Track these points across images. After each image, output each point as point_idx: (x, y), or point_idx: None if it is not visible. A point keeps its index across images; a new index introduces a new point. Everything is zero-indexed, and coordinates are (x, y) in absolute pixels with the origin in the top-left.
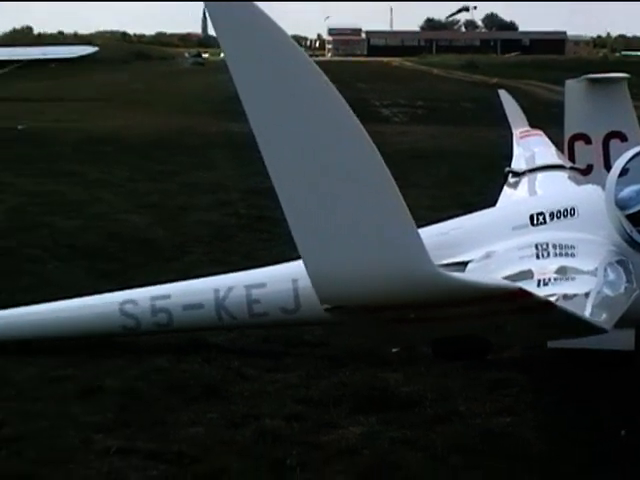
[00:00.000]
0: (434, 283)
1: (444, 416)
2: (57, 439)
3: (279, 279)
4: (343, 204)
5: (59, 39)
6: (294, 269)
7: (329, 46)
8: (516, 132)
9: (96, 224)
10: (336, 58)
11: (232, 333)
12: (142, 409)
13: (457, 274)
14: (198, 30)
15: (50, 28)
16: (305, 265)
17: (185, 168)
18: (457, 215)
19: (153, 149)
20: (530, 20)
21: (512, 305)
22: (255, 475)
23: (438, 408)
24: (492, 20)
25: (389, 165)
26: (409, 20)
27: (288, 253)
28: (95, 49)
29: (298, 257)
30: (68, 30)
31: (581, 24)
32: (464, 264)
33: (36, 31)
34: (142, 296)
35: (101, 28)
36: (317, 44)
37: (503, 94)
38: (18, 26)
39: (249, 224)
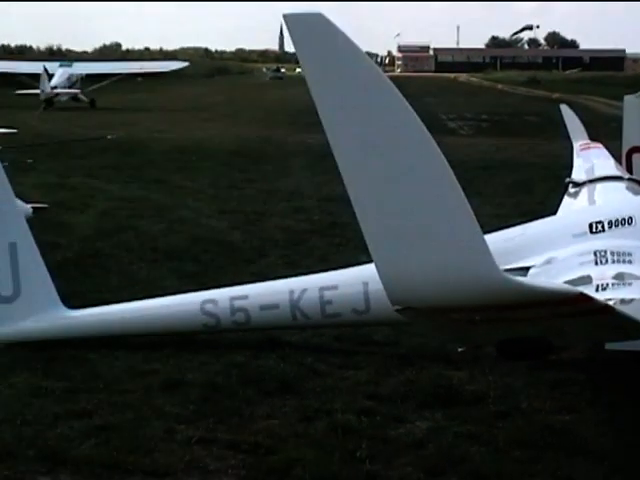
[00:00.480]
0: (499, 287)
1: (506, 412)
2: (142, 429)
3: (351, 282)
4: (413, 211)
5: (145, 55)
6: (365, 272)
7: (399, 62)
8: (576, 145)
9: (179, 228)
10: (405, 74)
11: (306, 332)
12: (221, 402)
13: (522, 278)
14: (275, 47)
15: (137, 44)
16: (377, 268)
17: (263, 176)
18: (519, 223)
19: (233, 158)
20: (590, 38)
21: (574, 308)
22: (327, 466)
23: (501, 405)
24: (554, 38)
25: (456, 175)
26: (475, 38)
27: (359, 257)
28: (186, 64)
29: (369, 261)
30: (154, 46)
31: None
32: (526, 269)
33: (124, 47)
34: (222, 296)
35: (185, 45)
36: (387, 60)
37: (564, 109)
38: (108, 42)
39: (322, 229)
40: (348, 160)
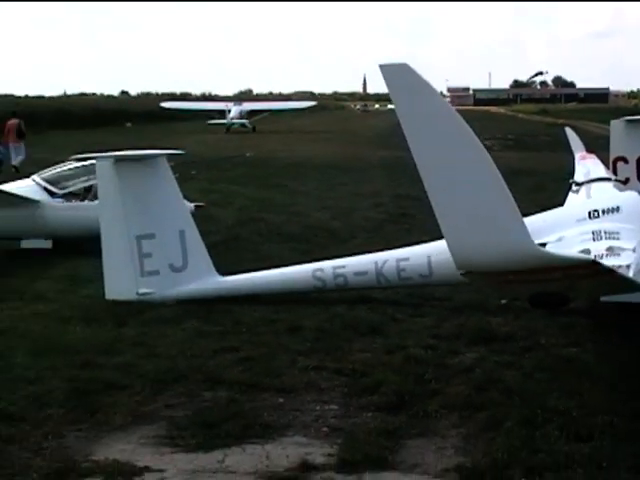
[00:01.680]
0: (534, 256)
1: (530, 347)
2: (273, 360)
3: (418, 254)
4: (474, 203)
5: (269, 97)
6: (428, 248)
7: (448, 99)
8: (577, 155)
9: (295, 219)
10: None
11: (387, 291)
12: (328, 341)
13: (550, 249)
14: (360, 89)
15: (264, 89)
16: (447, 243)
17: (352, 181)
18: (537, 212)
19: (331, 169)
20: (584, 79)
21: (586, 271)
22: (404, 385)
23: (526, 341)
24: (559, 80)
25: None
26: (502, 80)
27: (422, 238)
28: (314, 103)
29: (430, 240)
30: (275, 90)
31: (619, 81)
32: (543, 245)
33: (254, 92)
34: (327, 266)
35: (297, 89)
36: None
37: (568, 130)
38: (243, 88)
39: (396, 219)
40: (428, 168)
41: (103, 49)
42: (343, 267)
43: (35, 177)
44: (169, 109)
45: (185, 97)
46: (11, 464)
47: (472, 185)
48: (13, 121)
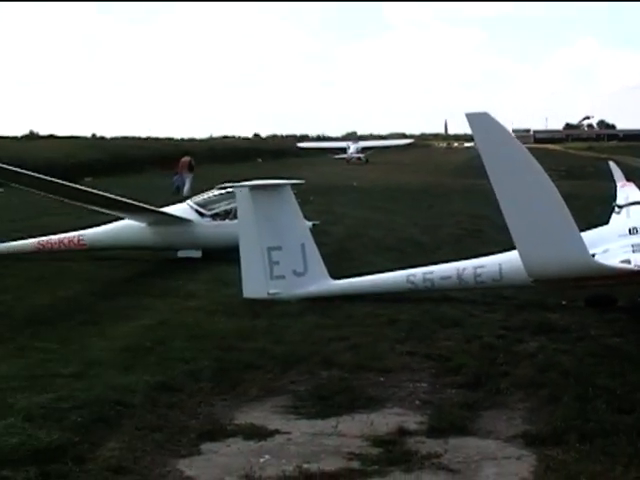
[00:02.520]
0: (590, 266)
1: (582, 337)
2: (376, 346)
3: (491, 263)
4: (542, 225)
5: (370, 137)
6: (499, 257)
7: None
8: (619, 184)
9: (391, 234)
10: None
11: (465, 292)
12: (419, 331)
13: (603, 261)
14: (442, 131)
15: (366, 131)
16: (520, 257)
17: (437, 204)
18: (585, 229)
19: (420, 194)
20: (624, 121)
21: (630, 278)
22: (480, 368)
23: (579, 333)
24: (602, 123)
25: None
26: (556, 123)
27: (494, 249)
28: (412, 140)
29: (500, 252)
30: (374, 132)
31: None
32: (592, 255)
33: (358, 133)
34: (418, 272)
35: (392, 130)
36: None
37: (611, 164)
38: (349, 130)
39: (472, 234)
40: (506, 196)
41: (238, 101)
42: (431, 273)
43: (189, 202)
44: (304, 148)
45: (303, 138)
46: (173, 425)
47: (541, 210)
48: (186, 158)
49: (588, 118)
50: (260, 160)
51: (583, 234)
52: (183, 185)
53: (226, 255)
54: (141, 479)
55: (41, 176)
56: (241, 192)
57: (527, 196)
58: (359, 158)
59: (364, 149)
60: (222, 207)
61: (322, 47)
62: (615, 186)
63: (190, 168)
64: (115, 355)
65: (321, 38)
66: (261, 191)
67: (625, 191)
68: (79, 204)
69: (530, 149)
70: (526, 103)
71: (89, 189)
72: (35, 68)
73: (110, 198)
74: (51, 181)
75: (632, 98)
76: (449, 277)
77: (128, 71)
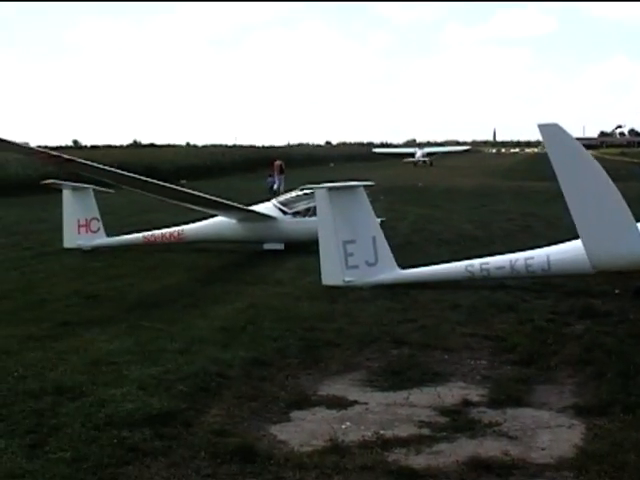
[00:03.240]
0: None
1: (623, 320)
2: (440, 328)
3: (541, 255)
4: (607, 220)
5: (430, 144)
6: (547, 250)
7: None
8: None
9: (450, 229)
10: None
11: (517, 280)
12: (478, 315)
13: None
14: (491, 138)
15: (424, 138)
16: (585, 249)
17: (489, 203)
18: None
19: (474, 194)
20: None
21: None
22: (532, 346)
23: (619, 316)
24: (632, 131)
25: None
26: (591, 132)
27: (542, 243)
28: (469, 147)
29: (547, 245)
30: (431, 139)
31: None
32: None
33: (417, 140)
34: (476, 262)
35: (447, 138)
36: None
37: None
38: (409, 138)
39: (522, 229)
40: (574, 197)
41: (312, 113)
42: (487, 263)
43: (273, 201)
44: (379, 153)
45: (369, 145)
46: (266, 395)
47: (605, 210)
48: (278, 162)
49: (620, 127)
50: (332, 165)
51: None
52: (275, 185)
53: (306, 248)
54: (241, 441)
55: (147, 179)
56: (320, 192)
57: (593, 197)
58: (424, 162)
59: (429, 154)
60: (302, 206)
61: (386, 67)
62: None
63: (281, 170)
64: (214, 334)
65: (384, 60)
66: (338, 191)
67: None
68: (178, 203)
69: None
70: (564, 113)
71: (187, 190)
72: (134, 82)
73: (206, 198)
74: (155, 183)
75: None
76: (503, 267)
77: (218, 87)
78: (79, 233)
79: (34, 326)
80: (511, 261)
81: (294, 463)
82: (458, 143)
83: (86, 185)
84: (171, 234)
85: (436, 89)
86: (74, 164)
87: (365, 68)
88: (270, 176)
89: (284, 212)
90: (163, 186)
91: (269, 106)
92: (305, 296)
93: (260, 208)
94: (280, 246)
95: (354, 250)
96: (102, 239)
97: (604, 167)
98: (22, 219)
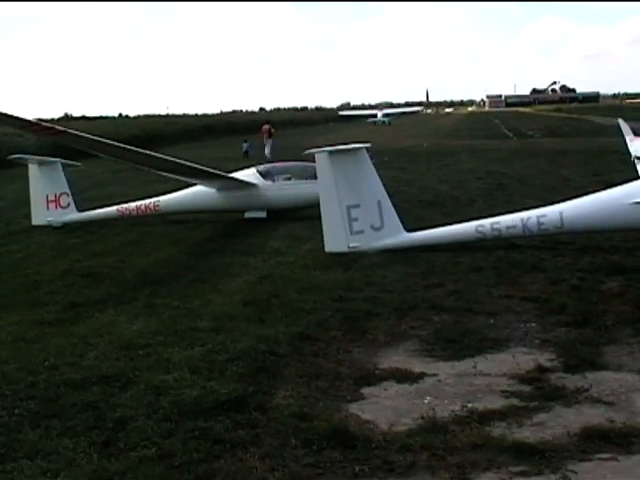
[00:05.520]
0: None
1: None
2: (473, 292)
3: (553, 212)
4: None
5: (365, 107)
6: (560, 207)
7: (487, 103)
8: (628, 138)
9: (425, 190)
10: (491, 109)
11: (530, 240)
12: (505, 276)
13: None
14: (424, 99)
15: (358, 101)
16: None
17: (451, 163)
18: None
19: (432, 154)
20: (582, 86)
21: None
22: (579, 306)
23: None
24: (564, 88)
25: (549, 157)
26: (525, 89)
27: (524, 201)
28: (421, 108)
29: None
30: (365, 102)
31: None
32: None
33: (352, 103)
34: (486, 222)
35: (380, 100)
36: (482, 102)
37: (620, 121)
38: (343, 101)
39: (496, 187)
40: None
41: (242, 80)
42: (498, 223)
43: (254, 168)
44: (344, 116)
45: (304, 110)
46: (327, 372)
47: None
48: (266, 126)
49: (555, 83)
50: (332, 124)
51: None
52: (266, 150)
53: (288, 214)
54: (328, 424)
55: (141, 150)
56: (321, 156)
57: None
58: (383, 122)
59: (387, 115)
60: (283, 175)
61: (321, 31)
62: (625, 141)
63: (270, 134)
64: (240, 309)
65: (319, 23)
66: (339, 154)
67: (635, 145)
68: (160, 173)
69: (503, 112)
70: (498, 71)
71: (179, 160)
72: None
73: (198, 168)
74: (147, 154)
75: (589, 65)
76: (514, 226)
77: (147, 56)
78: (48, 209)
79: (40, 309)
80: (522, 219)
81: (398, 445)
82: (392, 105)
83: (53, 159)
84: (147, 206)
85: (367, 51)
86: (67, 135)
87: (298, 31)
88: (245, 141)
89: (265, 179)
90: (155, 156)
91: (199, 74)
92: (313, 264)
93: (242, 175)
94: (262, 214)
95: (358, 215)
96: (73, 214)
97: (544, 123)
98: None
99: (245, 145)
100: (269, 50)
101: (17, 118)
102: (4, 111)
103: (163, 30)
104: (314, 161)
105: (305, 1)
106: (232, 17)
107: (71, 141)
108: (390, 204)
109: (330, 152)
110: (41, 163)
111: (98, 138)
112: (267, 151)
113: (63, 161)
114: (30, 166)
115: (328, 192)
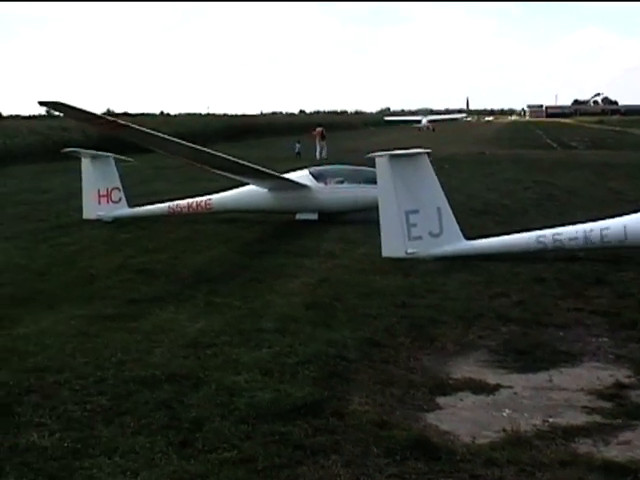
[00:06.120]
0: None
1: None
2: (540, 303)
3: (617, 225)
4: None
5: (405, 113)
6: (624, 220)
7: (527, 112)
8: None
9: (473, 198)
10: (532, 119)
11: (591, 252)
12: (569, 288)
13: None
14: (464, 106)
15: (398, 107)
16: None
17: (496, 171)
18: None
19: (476, 162)
20: (624, 99)
21: None
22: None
23: None
24: (606, 100)
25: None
26: (565, 99)
27: (575, 213)
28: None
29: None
30: (405, 108)
31: None
32: None
33: (392, 109)
34: (547, 233)
35: (420, 106)
36: (523, 112)
37: None
38: (383, 107)
39: (546, 198)
40: None
41: (280, 82)
42: (560, 234)
43: (307, 170)
44: (389, 121)
45: (343, 113)
46: (396, 378)
47: None
48: (319, 128)
49: (599, 95)
50: (372, 128)
51: None
52: (317, 152)
53: (339, 217)
54: (409, 434)
55: (201, 148)
56: (381, 161)
57: None
58: (428, 128)
59: (431, 121)
60: (336, 178)
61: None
62: None
63: (322, 137)
64: (302, 312)
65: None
66: (399, 159)
67: None
68: (215, 171)
69: (544, 122)
70: (541, 82)
71: (238, 160)
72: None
73: (245, 165)
74: (208, 152)
75: (632, 78)
76: (577, 238)
77: (188, 56)
78: (100, 203)
79: (98, 304)
80: (585, 231)
81: (483, 459)
82: (433, 112)
83: (106, 153)
84: (198, 204)
85: (407, 58)
86: (129, 130)
87: (338, 37)
88: (298, 142)
89: (318, 181)
90: (215, 155)
91: (239, 75)
92: (371, 269)
93: (294, 176)
94: (314, 216)
95: (417, 220)
96: (124, 210)
97: (588, 135)
98: (20, 190)
99: (297, 146)
100: (305, 52)
101: (83, 111)
102: (71, 104)
103: (201, 30)
104: (374, 165)
105: (339, 1)
106: (268, 18)
107: (132, 136)
108: (450, 211)
109: (391, 156)
110: (94, 157)
111: (162, 135)
112: (319, 153)
113: (116, 156)
114: (83, 160)
115: (387, 197)
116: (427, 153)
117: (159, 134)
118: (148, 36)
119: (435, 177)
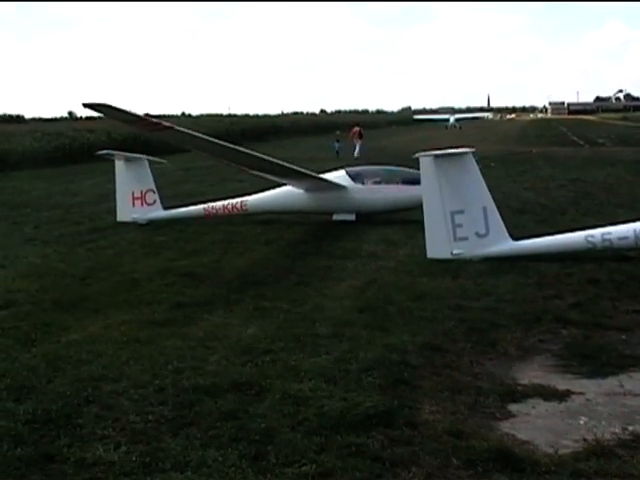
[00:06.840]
0: None
1: None
2: (598, 305)
3: None
4: None
5: (425, 111)
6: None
7: (549, 110)
8: None
9: (510, 197)
10: (553, 116)
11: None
12: (626, 290)
13: None
14: (485, 104)
15: (419, 105)
16: None
17: (528, 169)
18: None
19: (507, 160)
20: None
21: None
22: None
23: None
24: (628, 96)
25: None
26: (588, 96)
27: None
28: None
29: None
30: (427, 106)
31: None
32: None
33: (412, 107)
34: (596, 232)
35: (441, 105)
36: (545, 109)
37: None
38: (405, 105)
39: (584, 196)
40: None
41: (300, 83)
42: (609, 233)
43: (344, 170)
44: (418, 119)
45: (365, 112)
46: (462, 385)
47: None
48: (356, 128)
49: (621, 91)
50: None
51: None
52: (356, 151)
53: (376, 218)
54: (487, 445)
55: (243, 149)
56: (425, 160)
57: None
58: (456, 126)
59: (458, 120)
60: (374, 177)
61: (379, 36)
62: None
63: (360, 136)
64: (356, 315)
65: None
66: (444, 159)
67: None
68: (252, 172)
69: (566, 119)
70: (561, 79)
71: (277, 160)
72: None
73: (283, 165)
74: (249, 153)
75: None
76: (627, 237)
77: (208, 56)
78: (134, 206)
79: (145, 309)
80: (635, 230)
81: (570, 470)
82: (454, 110)
83: (140, 155)
84: (233, 206)
85: (429, 56)
86: (172, 132)
87: (358, 35)
88: (337, 141)
89: (355, 181)
90: (259, 157)
91: (259, 75)
92: (417, 271)
93: (330, 176)
94: (352, 217)
95: (463, 221)
96: (159, 212)
97: (613, 132)
98: (51, 193)
99: (337, 145)
100: (324, 52)
101: (128, 113)
102: (115, 105)
103: (222, 30)
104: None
105: (362, 1)
106: (290, 18)
107: (174, 137)
108: (496, 211)
109: (435, 156)
110: (128, 159)
111: (207, 137)
112: (358, 152)
113: (149, 158)
114: (116, 162)
115: (432, 197)
116: (472, 152)
117: (205, 136)
118: (169, 37)
119: (480, 176)
